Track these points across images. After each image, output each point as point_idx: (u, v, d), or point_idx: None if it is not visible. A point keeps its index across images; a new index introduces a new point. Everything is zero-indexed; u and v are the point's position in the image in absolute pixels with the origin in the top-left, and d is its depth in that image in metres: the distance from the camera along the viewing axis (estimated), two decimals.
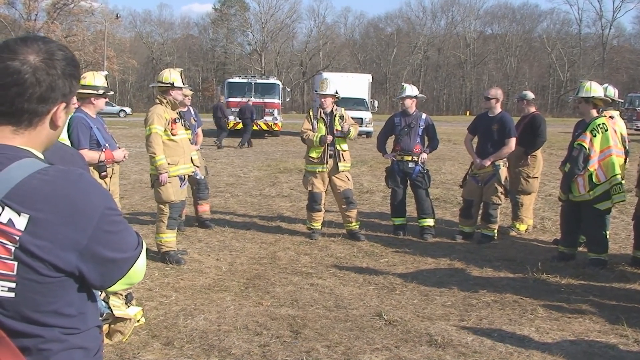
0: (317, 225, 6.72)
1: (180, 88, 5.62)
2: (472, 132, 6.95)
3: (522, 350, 3.71)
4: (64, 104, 1.29)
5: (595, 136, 5.43)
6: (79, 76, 1.33)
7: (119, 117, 41.67)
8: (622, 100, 9.92)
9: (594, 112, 5.62)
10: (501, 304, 4.61)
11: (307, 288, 4.91)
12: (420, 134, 6.80)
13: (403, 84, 7.16)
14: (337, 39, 75.44)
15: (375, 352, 3.65)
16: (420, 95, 7.30)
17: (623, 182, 5.51)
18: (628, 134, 6.34)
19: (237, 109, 20.83)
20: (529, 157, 6.90)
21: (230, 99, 22.42)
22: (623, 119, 6.60)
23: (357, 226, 6.74)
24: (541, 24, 73.90)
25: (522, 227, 7.07)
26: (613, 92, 6.21)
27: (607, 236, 5.68)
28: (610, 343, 3.86)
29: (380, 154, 7.29)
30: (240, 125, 20.51)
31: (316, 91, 7.50)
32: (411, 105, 6.88)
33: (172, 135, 5.49)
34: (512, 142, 6.45)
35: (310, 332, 3.95)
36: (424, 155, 6.79)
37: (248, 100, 21.03)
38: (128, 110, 45.65)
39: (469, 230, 6.77)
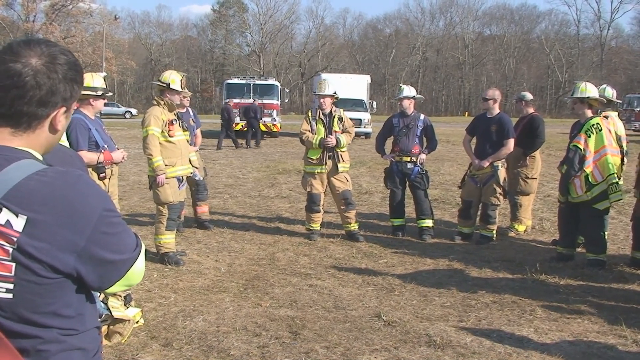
0: (316, 226, 6.72)
1: (176, 92, 5.57)
2: (470, 133, 6.95)
3: (521, 350, 3.71)
4: (64, 108, 1.28)
5: (589, 137, 5.44)
6: (81, 81, 1.32)
7: (125, 118, 41.86)
8: (620, 101, 9.93)
9: (589, 113, 5.63)
10: (500, 304, 4.61)
11: (306, 289, 4.90)
12: (418, 134, 6.81)
13: (401, 85, 7.16)
14: (336, 40, 75.50)
15: (374, 352, 3.65)
16: (419, 96, 7.31)
17: (621, 182, 5.52)
18: (626, 135, 6.35)
19: (238, 110, 20.83)
20: (528, 158, 6.90)
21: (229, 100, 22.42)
22: (621, 119, 6.61)
23: (356, 227, 6.74)
24: (539, 25, 74.20)
25: (521, 228, 7.08)
26: (611, 92, 6.22)
27: (606, 237, 5.69)
28: (609, 344, 3.86)
29: (379, 155, 7.30)
30: (238, 127, 20.49)
31: (315, 92, 7.50)
32: (409, 106, 6.88)
33: (170, 136, 5.48)
34: (511, 143, 6.46)
35: (309, 333, 3.95)
36: (423, 156, 6.80)
37: (254, 101, 21.05)
38: (134, 111, 45.59)
39: (467, 231, 6.78)
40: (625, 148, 5.82)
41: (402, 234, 6.91)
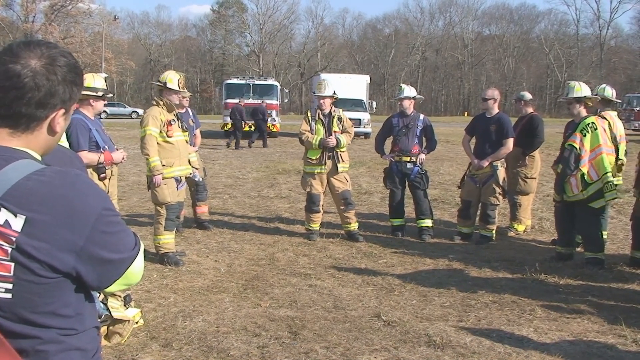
0: (316, 226, 6.72)
1: (174, 91, 5.55)
2: (469, 133, 6.95)
3: (520, 350, 3.71)
4: (63, 110, 1.28)
5: (585, 136, 5.46)
6: (81, 83, 1.32)
7: (132, 118, 41.98)
8: (620, 101, 9.94)
9: (584, 112, 5.65)
10: (500, 304, 4.61)
11: (305, 289, 4.90)
12: (418, 134, 6.81)
13: (401, 84, 7.16)
14: (335, 40, 75.53)
15: (374, 352, 3.65)
16: (418, 96, 7.30)
17: (619, 181, 5.53)
18: (626, 134, 6.35)
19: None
20: (527, 157, 6.90)
21: (229, 100, 22.43)
22: (621, 119, 6.61)
23: (356, 227, 6.74)
24: (539, 25, 74.19)
25: (520, 228, 7.08)
26: (611, 92, 6.23)
27: (603, 235, 5.69)
28: (609, 343, 3.86)
29: (379, 155, 7.30)
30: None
31: (314, 92, 7.50)
32: (409, 106, 6.88)
33: (168, 137, 5.47)
34: (510, 142, 6.46)
35: (309, 333, 3.95)
36: (422, 156, 6.80)
37: (262, 102, 21.05)
38: (140, 111, 45.57)
39: (467, 231, 6.78)
40: (624, 147, 5.82)
41: (402, 234, 6.91)
